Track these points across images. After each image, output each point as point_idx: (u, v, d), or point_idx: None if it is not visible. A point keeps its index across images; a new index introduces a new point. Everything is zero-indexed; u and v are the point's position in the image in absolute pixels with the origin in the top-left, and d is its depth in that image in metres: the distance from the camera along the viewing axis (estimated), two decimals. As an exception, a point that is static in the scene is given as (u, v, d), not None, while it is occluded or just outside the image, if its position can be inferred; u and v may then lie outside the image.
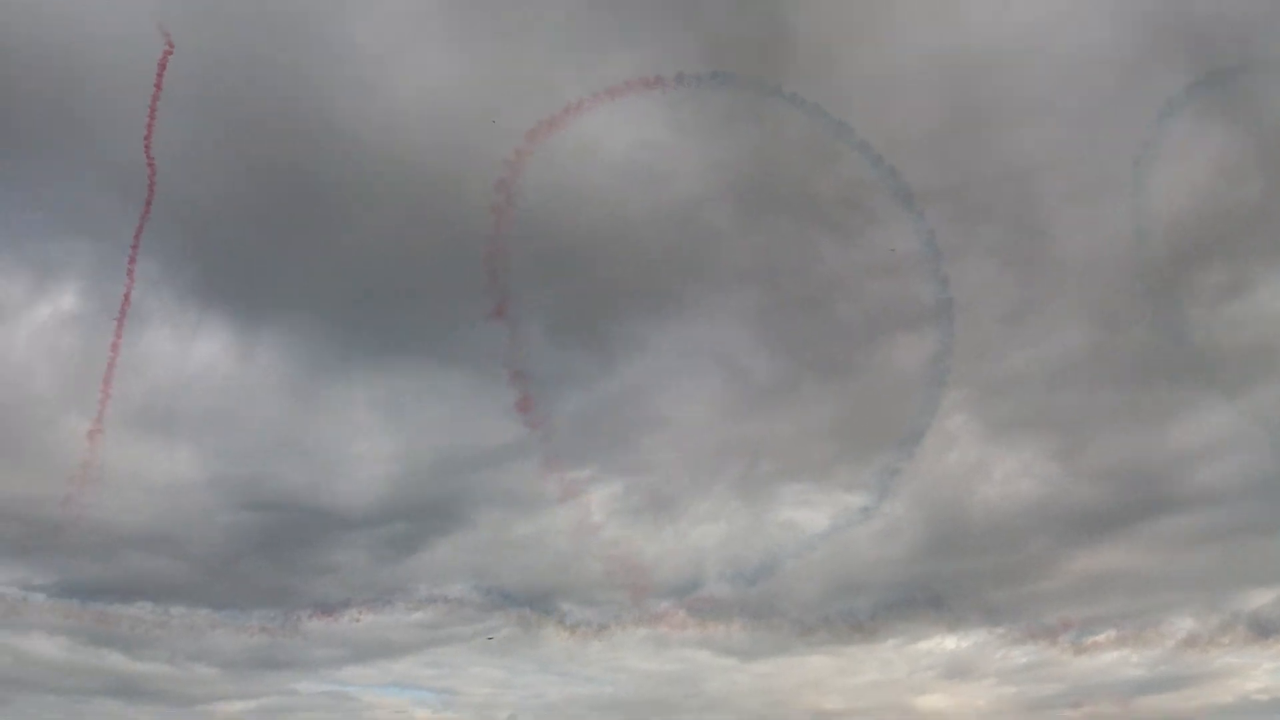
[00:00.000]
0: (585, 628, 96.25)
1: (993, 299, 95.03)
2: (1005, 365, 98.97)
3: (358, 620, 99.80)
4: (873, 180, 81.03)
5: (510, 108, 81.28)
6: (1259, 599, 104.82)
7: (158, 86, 61.72)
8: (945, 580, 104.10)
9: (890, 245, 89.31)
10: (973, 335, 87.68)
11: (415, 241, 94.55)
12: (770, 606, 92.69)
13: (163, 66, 61.98)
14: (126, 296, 65.75)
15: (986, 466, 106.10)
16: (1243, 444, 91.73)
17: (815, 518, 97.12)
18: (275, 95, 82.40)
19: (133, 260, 64.12)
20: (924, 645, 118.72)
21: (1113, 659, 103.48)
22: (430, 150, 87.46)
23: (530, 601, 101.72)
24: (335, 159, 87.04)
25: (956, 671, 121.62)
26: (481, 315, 76.44)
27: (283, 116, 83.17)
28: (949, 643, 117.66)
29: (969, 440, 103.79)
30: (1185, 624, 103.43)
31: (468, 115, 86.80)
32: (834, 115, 77.88)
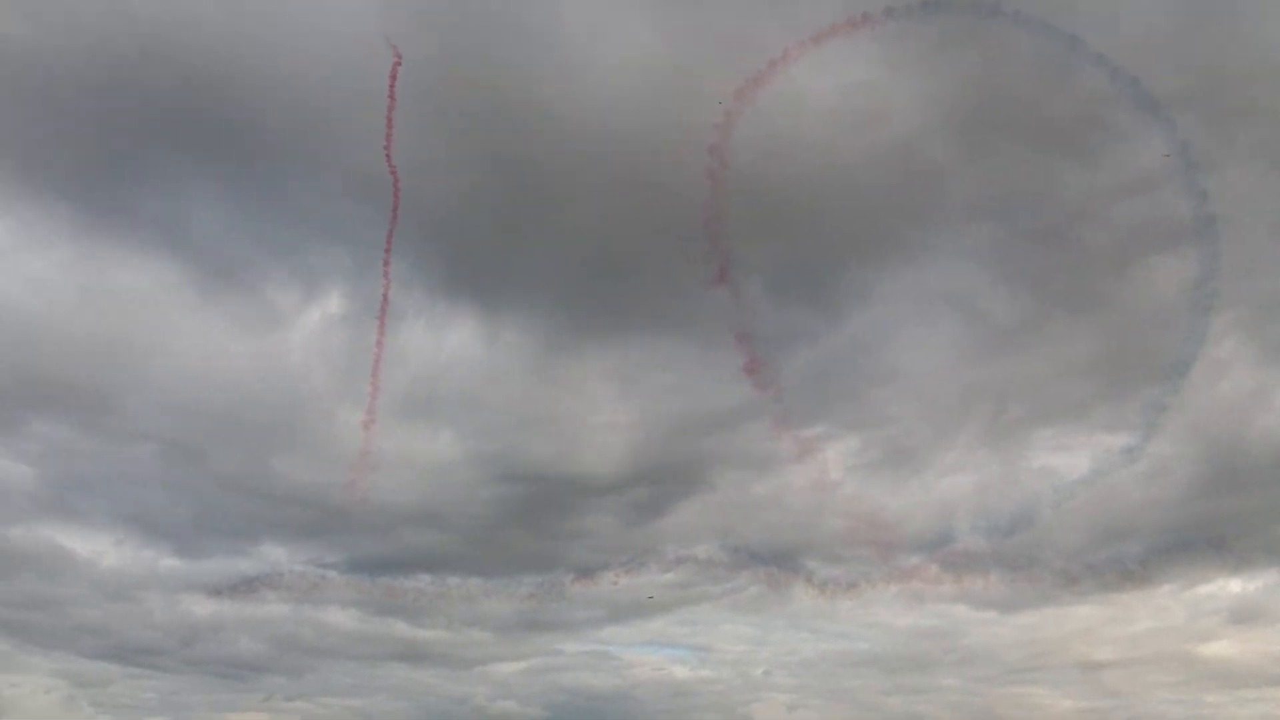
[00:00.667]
0: (834, 585, 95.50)
1: (1260, 208, 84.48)
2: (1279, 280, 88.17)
3: (615, 583, 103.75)
4: (1112, 93, 73.68)
5: (715, 69, 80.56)
6: None
7: (391, 97, 65.81)
8: (1226, 519, 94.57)
9: (1137, 161, 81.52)
10: (1239, 251, 78.25)
11: (634, 215, 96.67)
12: (1029, 557, 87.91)
13: (393, 77, 65.92)
14: (385, 297, 71.31)
15: (1266, 393, 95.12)
16: None
17: (1074, 462, 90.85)
18: (493, 90, 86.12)
19: (387, 263, 69.42)
20: (1205, 590, 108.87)
21: None
22: (640, 122, 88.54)
23: (776, 560, 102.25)
24: (552, 144, 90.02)
25: (1244, 616, 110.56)
26: (703, 281, 76.87)
27: (501, 109, 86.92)
28: (1234, 586, 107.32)
29: (1243, 366, 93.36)
30: None
31: (674, 83, 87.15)
32: (1061, 28, 71.53)
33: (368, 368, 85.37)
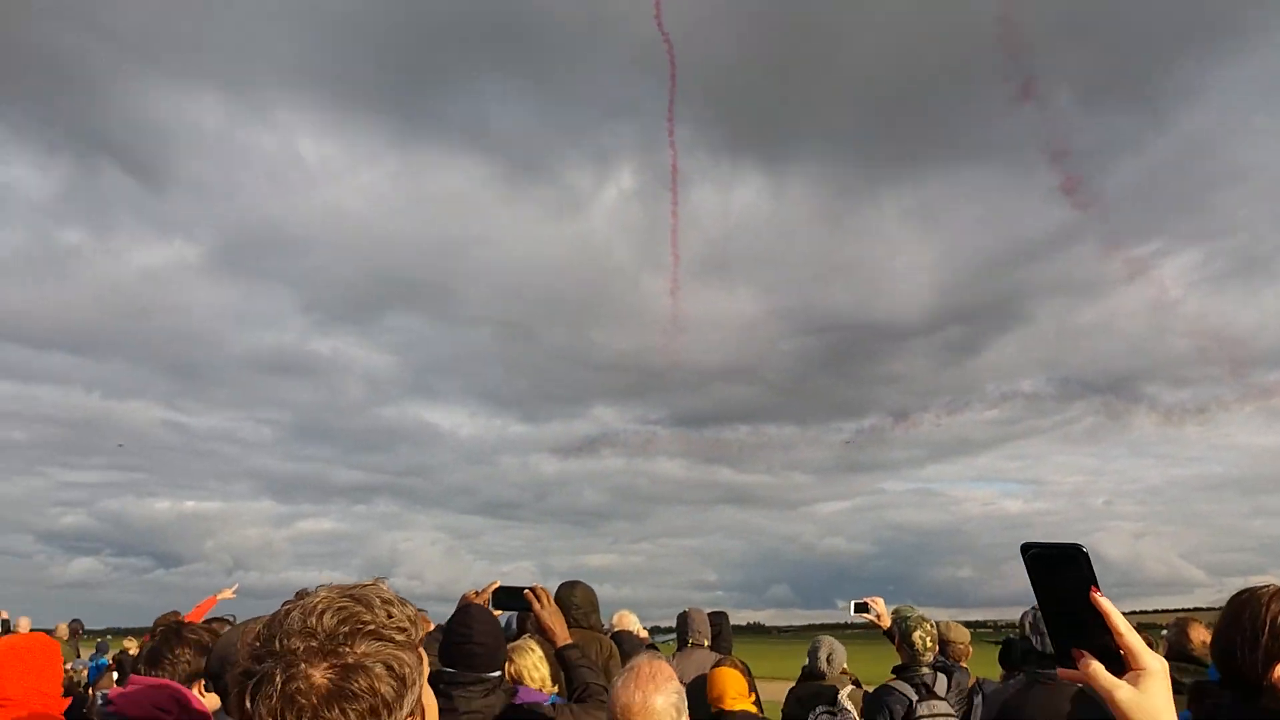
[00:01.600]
0: (1179, 409, 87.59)
1: None
2: None
3: (936, 424, 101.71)
4: None
5: None
6: None
7: None
8: None
9: None
10: None
11: (919, 40, 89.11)
12: None
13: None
14: (674, 167, 71.30)
15: None
16: None
17: None
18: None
19: (670, 133, 68.89)
20: None
21: None
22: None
23: (1110, 388, 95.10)
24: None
25: None
26: (1005, 100, 69.85)
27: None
28: None
29: None
30: None
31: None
32: None
33: (664, 236, 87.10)
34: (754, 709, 6.17)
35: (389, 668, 1.53)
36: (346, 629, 1.53)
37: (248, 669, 1.52)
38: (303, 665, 1.47)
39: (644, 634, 8.91)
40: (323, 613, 1.53)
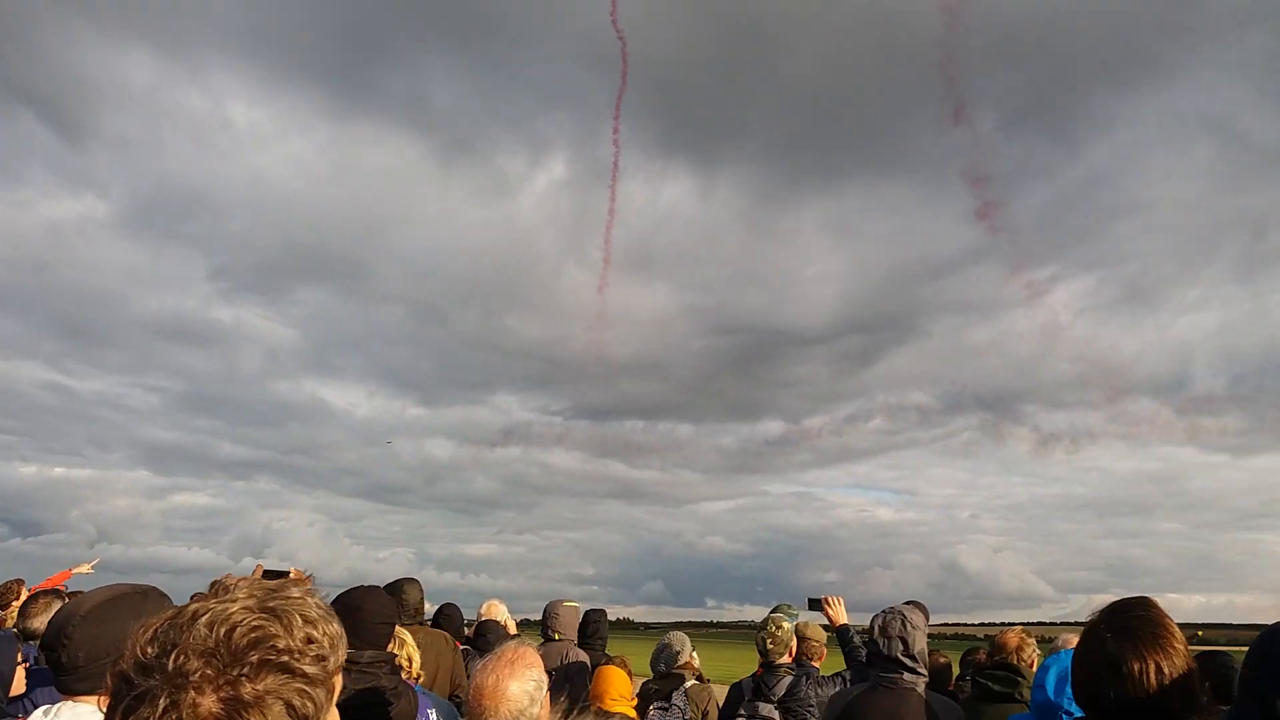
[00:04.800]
0: (1052, 430, 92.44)
1: None
2: None
3: (823, 429, 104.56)
4: None
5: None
6: None
7: None
8: None
9: None
10: None
11: (860, 56, 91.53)
12: (1274, 400, 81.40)
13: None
14: (615, 164, 71.08)
15: None
16: None
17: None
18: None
19: (616, 130, 68.76)
20: None
21: None
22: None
23: (992, 405, 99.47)
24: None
25: None
26: (933, 121, 72.39)
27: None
28: None
29: None
30: None
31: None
32: None
33: (592, 228, 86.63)
34: (633, 713, 6.10)
35: (290, 707, 1.36)
36: (255, 656, 1.35)
37: (129, 678, 1.35)
38: (191, 693, 1.30)
39: (512, 625, 8.85)
40: (234, 628, 1.35)
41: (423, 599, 7.23)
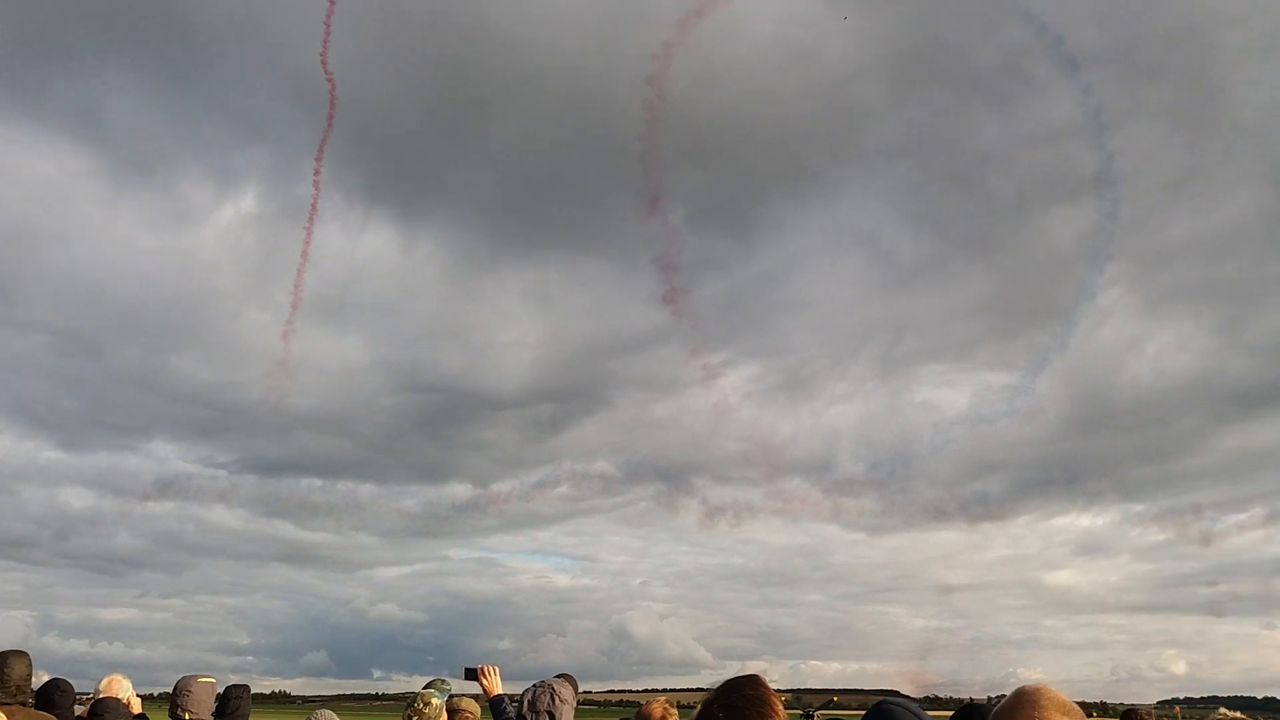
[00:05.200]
0: (718, 503, 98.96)
1: (1158, 165, 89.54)
2: (1167, 235, 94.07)
3: (509, 494, 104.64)
4: (1034, 46, 76.00)
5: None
6: None
7: (331, 0, 62.09)
8: (1084, 459, 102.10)
9: (1050, 114, 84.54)
10: (1135, 205, 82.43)
11: (564, 137, 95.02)
12: (902, 486, 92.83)
13: (335, -19, 61.94)
14: (314, 205, 67.58)
15: (1140, 342, 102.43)
16: None
17: (955, 397, 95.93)
18: (437, 2, 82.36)
19: (317, 172, 65.54)
20: (1058, 522, 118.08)
21: (1256, 538, 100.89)
22: (580, 46, 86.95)
23: (668, 477, 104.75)
24: (490, 59, 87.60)
25: (1089, 549, 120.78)
26: (631, 207, 76.73)
27: (443, 22, 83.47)
28: (1083, 521, 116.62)
29: (1123, 315, 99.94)
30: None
31: (616, 8, 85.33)
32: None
33: (281, 270, 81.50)
34: None
35: None
36: None
37: None
38: None
39: (136, 704, 7.90)
40: None
41: (30, 673, 6.50)
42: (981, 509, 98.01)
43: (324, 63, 54.21)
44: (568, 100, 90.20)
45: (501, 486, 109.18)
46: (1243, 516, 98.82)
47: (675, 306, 73.87)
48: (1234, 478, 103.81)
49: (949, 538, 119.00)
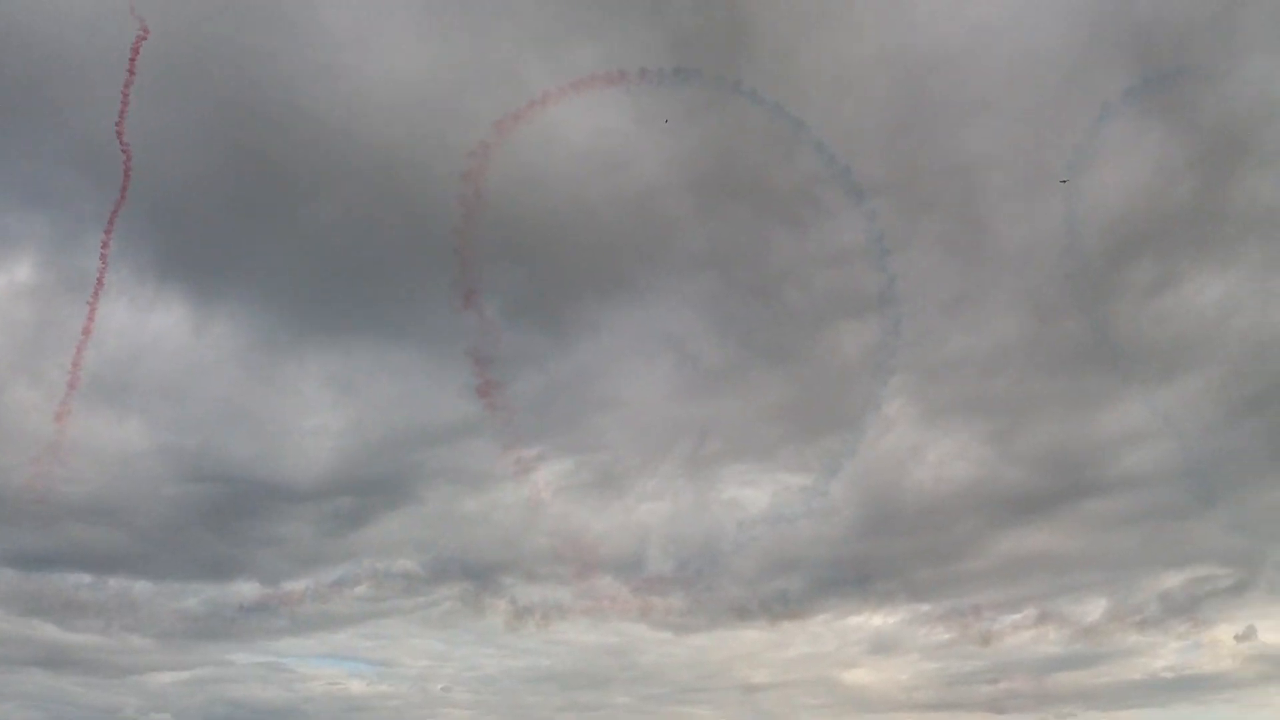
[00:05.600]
0: (527, 602, 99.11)
1: (934, 288, 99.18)
2: (943, 352, 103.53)
3: (301, 593, 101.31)
4: (825, 174, 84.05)
5: (477, 97, 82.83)
6: (1169, 581, 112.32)
7: (131, 71, 61.63)
8: (876, 559, 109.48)
9: (839, 237, 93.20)
10: (914, 323, 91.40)
11: (376, 224, 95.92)
12: (709, 583, 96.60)
13: (136, 51, 61.90)
14: (100, 279, 66.00)
15: (921, 450, 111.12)
16: (1161, 433, 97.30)
17: (757, 497, 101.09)
18: (245, 79, 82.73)
19: (106, 244, 64.34)
20: (853, 621, 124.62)
21: (1030, 637, 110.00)
22: (396, 136, 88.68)
23: (474, 575, 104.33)
24: (300, 142, 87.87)
25: (882, 647, 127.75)
26: (443, 298, 78.32)
27: (251, 100, 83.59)
28: (876, 620, 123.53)
29: (906, 424, 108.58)
30: (1100, 604, 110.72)
31: (435, 103, 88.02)
32: (790, 111, 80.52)
33: (57, 345, 78.12)
34: None
35: None
36: None
37: None
38: None
39: None
40: None
41: None
42: (782, 607, 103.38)
43: (120, 133, 53.99)
44: (381, 190, 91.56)
45: (294, 585, 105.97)
46: (1017, 616, 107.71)
47: (489, 399, 75.78)
48: (1009, 579, 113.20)
49: (752, 636, 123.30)
